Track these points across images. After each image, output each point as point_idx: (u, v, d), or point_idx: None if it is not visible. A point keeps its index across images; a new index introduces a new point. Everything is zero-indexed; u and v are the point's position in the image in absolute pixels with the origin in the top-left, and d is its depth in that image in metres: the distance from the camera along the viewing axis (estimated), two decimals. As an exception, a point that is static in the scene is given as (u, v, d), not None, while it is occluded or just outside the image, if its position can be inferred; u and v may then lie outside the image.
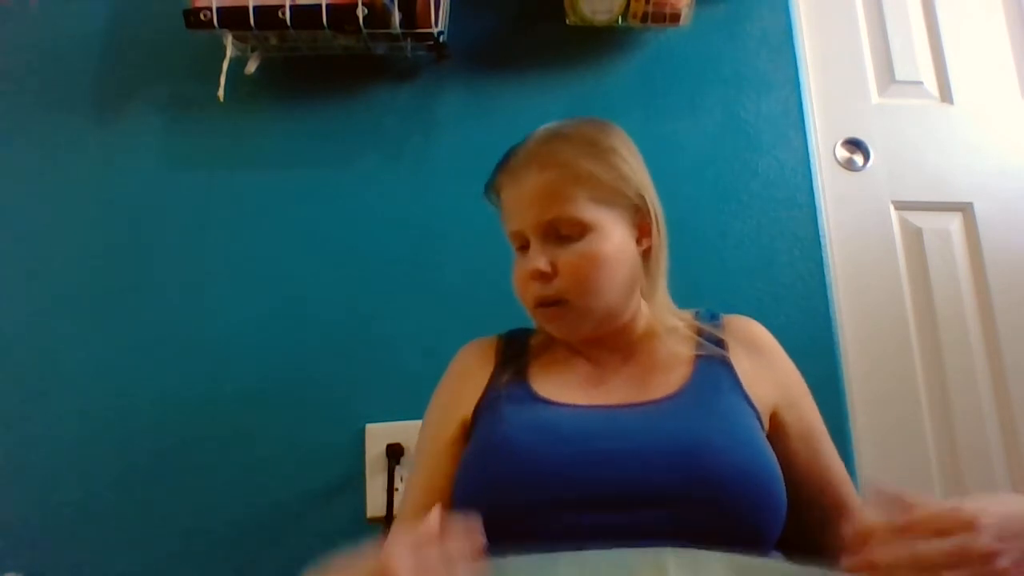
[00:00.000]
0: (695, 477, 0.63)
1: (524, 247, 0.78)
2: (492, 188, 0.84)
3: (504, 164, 0.82)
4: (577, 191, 0.75)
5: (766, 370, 0.79)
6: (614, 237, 0.76)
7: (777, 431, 0.76)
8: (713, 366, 0.77)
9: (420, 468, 0.79)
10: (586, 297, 0.75)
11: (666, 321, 0.81)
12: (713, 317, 0.84)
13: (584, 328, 0.78)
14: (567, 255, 0.75)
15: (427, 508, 0.74)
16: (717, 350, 0.78)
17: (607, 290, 0.76)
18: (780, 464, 0.69)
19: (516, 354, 0.83)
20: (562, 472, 0.65)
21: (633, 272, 0.79)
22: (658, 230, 0.80)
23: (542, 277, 0.75)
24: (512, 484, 0.66)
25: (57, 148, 1.27)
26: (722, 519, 0.63)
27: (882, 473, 1.20)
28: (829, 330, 1.21)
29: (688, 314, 0.84)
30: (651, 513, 0.62)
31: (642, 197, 0.79)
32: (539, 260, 0.75)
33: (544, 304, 0.77)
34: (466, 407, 0.79)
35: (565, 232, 0.75)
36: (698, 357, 0.77)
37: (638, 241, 0.80)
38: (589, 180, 0.76)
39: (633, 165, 0.80)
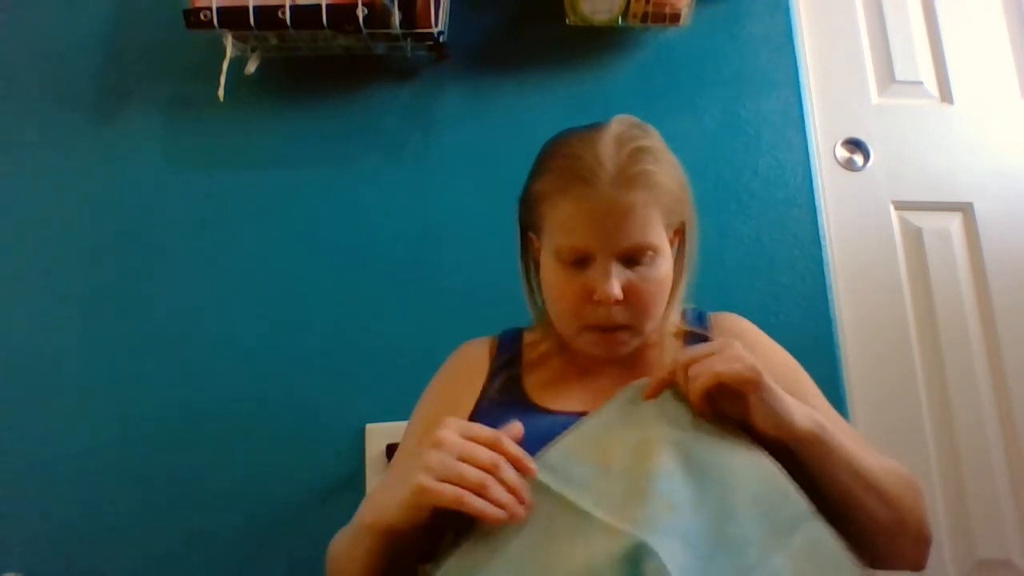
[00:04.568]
0: None
1: (579, 262, 0.72)
2: (546, 188, 0.74)
3: (570, 166, 0.72)
4: (656, 214, 0.72)
5: None
6: (668, 255, 0.75)
7: None
8: None
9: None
10: (647, 322, 0.74)
11: (667, 327, 0.81)
12: (700, 317, 0.84)
13: (629, 350, 0.76)
14: (638, 281, 0.72)
15: None
16: None
17: (659, 312, 0.75)
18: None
19: (511, 358, 0.82)
20: None
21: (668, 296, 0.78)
22: (687, 253, 0.79)
23: (616, 303, 0.71)
24: None
25: (57, 148, 1.27)
26: None
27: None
28: (829, 330, 1.21)
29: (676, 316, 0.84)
30: None
31: (685, 213, 0.78)
32: (615, 286, 0.70)
33: (605, 329, 0.73)
34: (465, 410, 0.78)
35: (637, 256, 0.72)
36: None
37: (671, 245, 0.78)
38: (666, 201, 0.73)
39: (685, 178, 0.78)
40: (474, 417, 0.76)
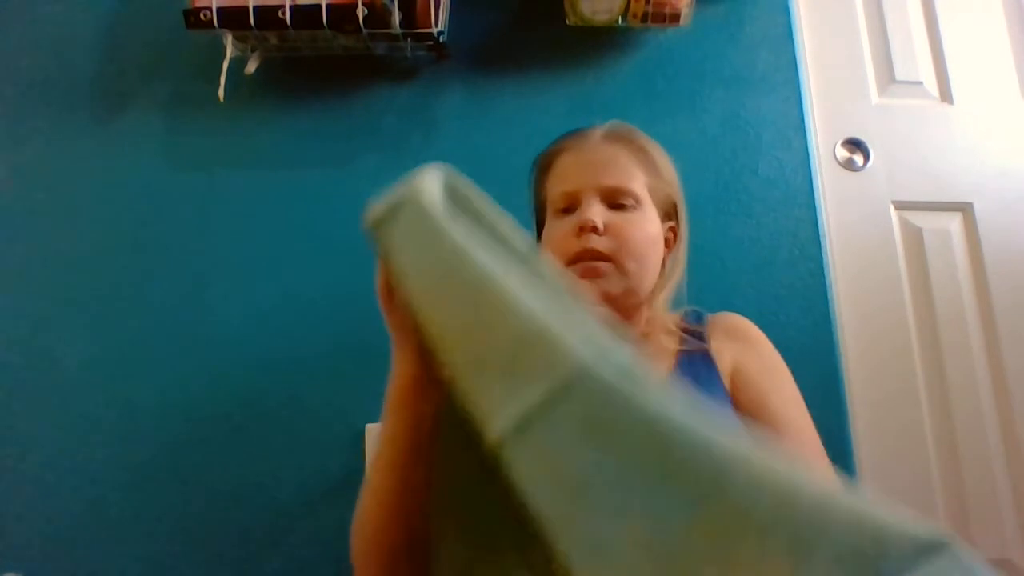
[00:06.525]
0: None
1: (569, 210, 0.80)
2: (545, 160, 0.86)
3: (567, 137, 0.85)
4: (640, 171, 0.80)
5: (736, 354, 0.79)
6: (656, 224, 0.81)
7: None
8: (694, 361, 0.77)
9: None
10: (628, 259, 0.77)
11: (660, 324, 0.82)
12: (699, 317, 0.85)
13: (615, 290, 0.78)
14: (619, 219, 0.78)
15: None
16: (699, 344, 0.79)
17: (644, 262, 0.78)
18: None
19: None
20: None
21: (658, 267, 0.81)
22: (680, 242, 0.85)
23: (593, 230, 0.76)
24: None
25: (57, 148, 1.27)
26: None
27: (882, 473, 1.20)
28: (829, 330, 1.21)
29: (676, 316, 0.85)
30: None
31: (675, 207, 0.85)
32: (596, 215, 0.76)
33: (586, 259, 0.77)
34: None
35: (621, 201, 0.78)
36: (680, 352, 0.78)
37: (664, 244, 0.84)
38: (652, 168, 0.82)
39: (678, 179, 0.87)
40: None
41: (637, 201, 0.79)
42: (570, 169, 0.81)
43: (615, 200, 0.78)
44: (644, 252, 0.78)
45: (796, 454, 0.69)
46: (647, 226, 0.79)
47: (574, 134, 0.85)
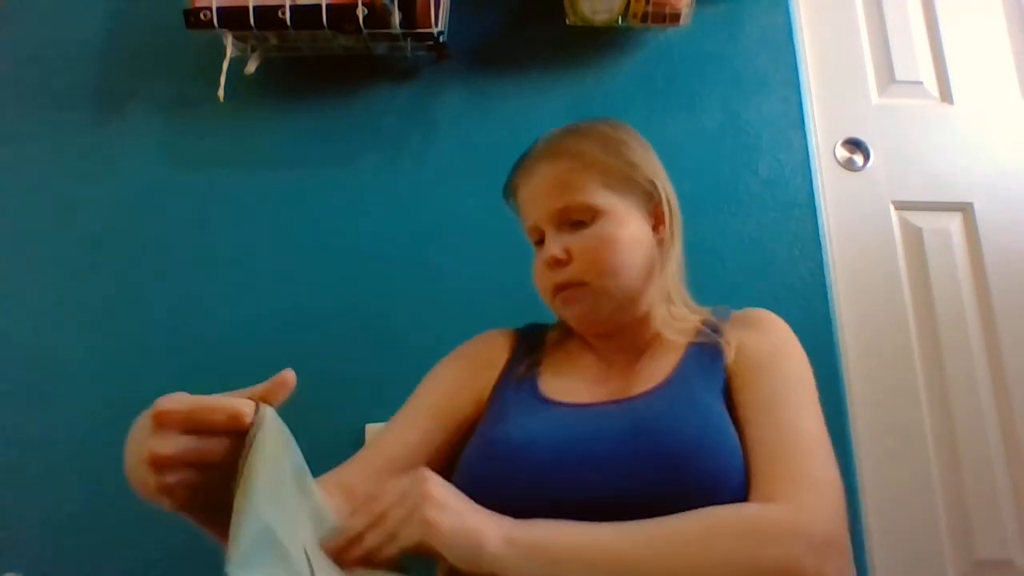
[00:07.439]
0: (666, 479, 0.62)
1: (541, 241, 0.80)
2: (509, 191, 0.86)
3: (517, 165, 0.84)
4: (587, 178, 0.77)
5: (744, 338, 0.77)
6: (628, 222, 0.78)
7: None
8: (702, 352, 0.76)
9: (420, 413, 0.80)
10: (603, 278, 0.76)
11: (677, 312, 0.81)
12: (725, 314, 0.84)
13: (604, 310, 0.78)
14: (581, 240, 0.77)
15: (414, 444, 0.76)
16: (713, 336, 0.77)
17: (623, 272, 0.77)
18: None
19: (530, 349, 0.84)
20: (548, 475, 0.65)
21: (650, 258, 0.80)
22: (671, 218, 0.83)
23: (558, 264, 0.76)
24: (505, 485, 0.66)
25: (57, 148, 1.27)
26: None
27: (882, 473, 1.20)
28: (829, 330, 1.21)
29: (705, 311, 0.84)
30: (629, 512, 0.60)
31: (653, 184, 0.81)
32: (554, 248, 0.76)
33: (562, 289, 0.77)
34: (480, 391, 0.80)
35: (577, 218, 0.77)
36: (690, 344, 0.77)
37: (654, 229, 0.82)
38: (598, 166, 0.78)
39: (642, 154, 0.82)
40: (491, 396, 0.80)
41: (594, 211, 0.77)
42: (526, 205, 0.82)
43: (570, 219, 0.77)
44: (618, 261, 0.76)
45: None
46: (617, 232, 0.77)
47: (521, 163, 0.84)
